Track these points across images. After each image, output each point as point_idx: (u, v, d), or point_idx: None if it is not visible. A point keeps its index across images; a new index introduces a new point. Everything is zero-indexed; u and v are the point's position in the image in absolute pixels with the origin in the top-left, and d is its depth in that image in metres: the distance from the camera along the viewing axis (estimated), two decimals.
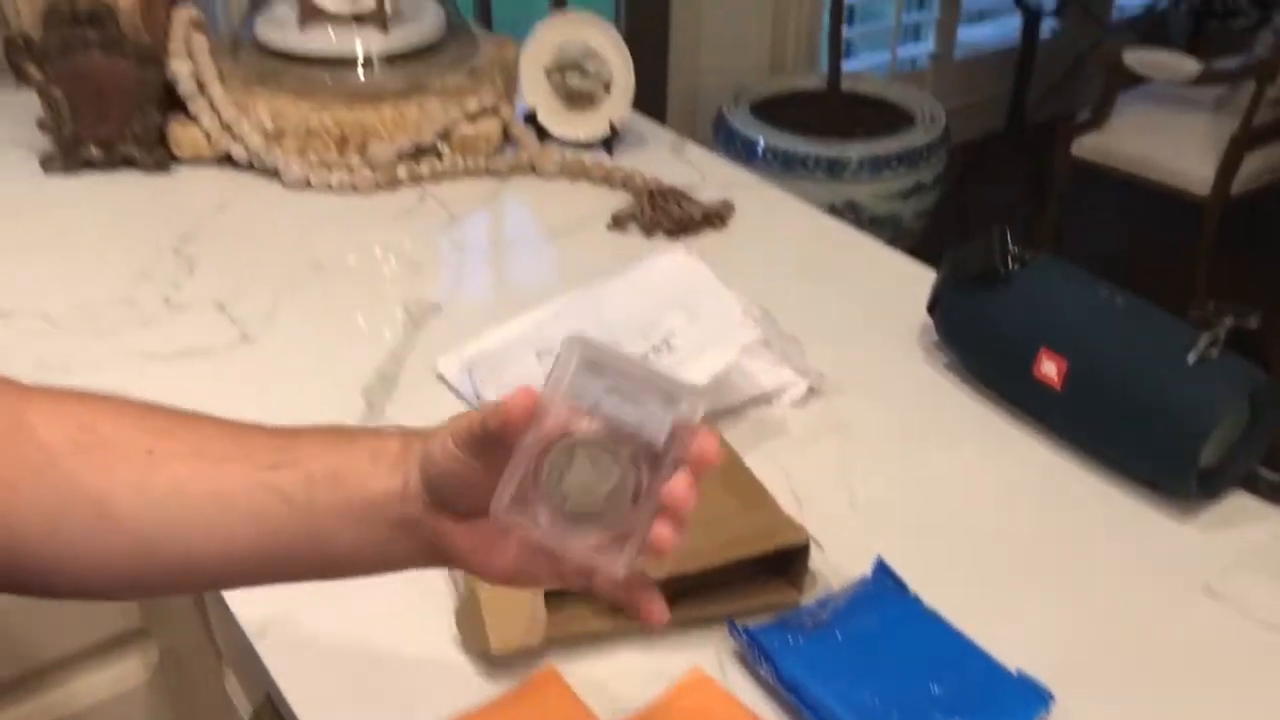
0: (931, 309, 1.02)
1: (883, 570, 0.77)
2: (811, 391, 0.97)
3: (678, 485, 0.48)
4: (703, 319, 0.94)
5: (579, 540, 0.49)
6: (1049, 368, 0.89)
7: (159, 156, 1.31)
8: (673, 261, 1.01)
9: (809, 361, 0.99)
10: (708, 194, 1.29)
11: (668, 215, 1.24)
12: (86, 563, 0.53)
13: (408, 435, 0.54)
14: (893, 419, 0.96)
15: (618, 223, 1.24)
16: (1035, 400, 0.93)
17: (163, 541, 0.52)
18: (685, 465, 0.49)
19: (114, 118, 1.30)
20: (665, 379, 0.49)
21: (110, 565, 0.53)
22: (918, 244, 2.64)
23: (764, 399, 0.96)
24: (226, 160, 1.32)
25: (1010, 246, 0.94)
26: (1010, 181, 3.34)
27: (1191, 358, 0.83)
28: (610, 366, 0.49)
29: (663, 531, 0.48)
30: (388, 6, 1.37)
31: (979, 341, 0.97)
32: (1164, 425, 0.83)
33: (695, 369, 0.90)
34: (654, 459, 0.48)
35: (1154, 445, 0.84)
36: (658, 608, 0.53)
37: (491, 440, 0.49)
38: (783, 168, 2.55)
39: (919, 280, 1.11)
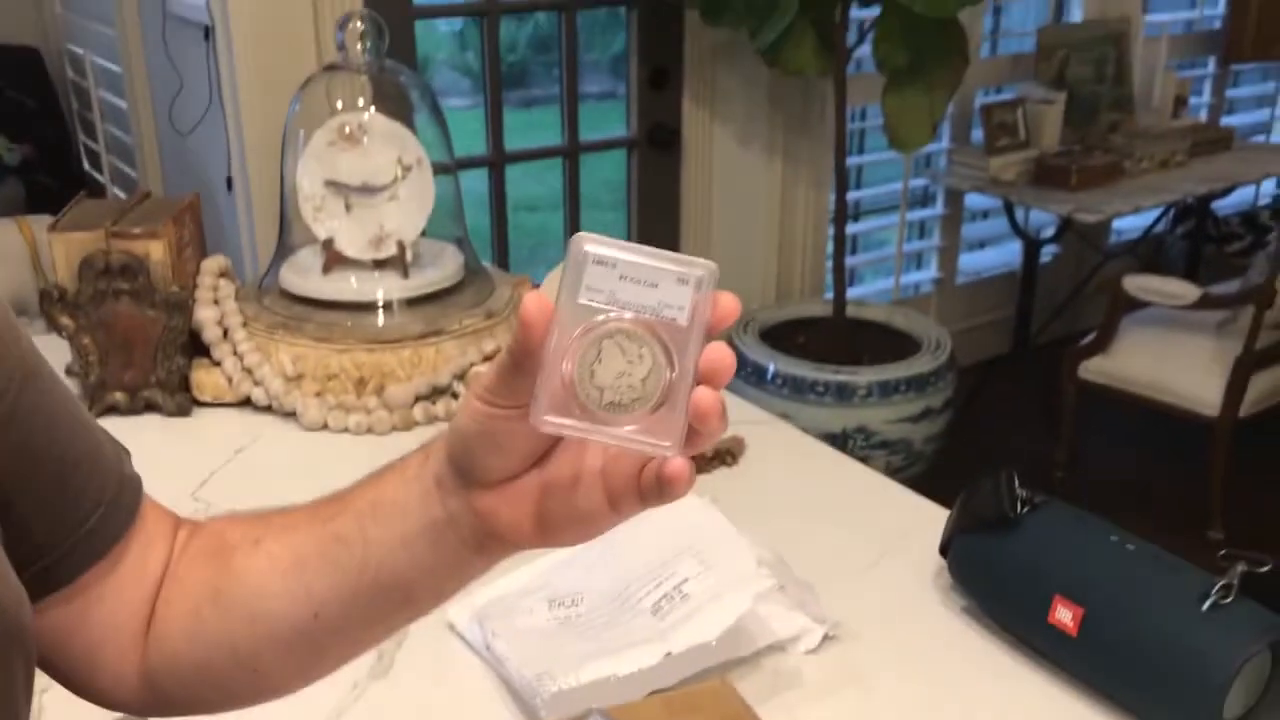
0: (944, 552, 1.03)
1: None
2: (828, 638, 0.97)
3: (714, 351, 0.49)
4: (716, 567, 0.94)
5: (623, 428, 0.49)
6: (1064, 615, 0.89)
7: (181, 401, 1.35)
8: (686, 508, 1.02)
9: (824, 607, 0.99)
10: None
11: None
12: (218, 659, 0.60)
13: (424, 445, 0.58)
14: (911, 666, 0.95)
15: None
16: (1053, 646, 0.92)
17: (266, 614, 0.59)
18: (712, 335, 0.49)
19: (140, 364, 1.34)
20: (675, 259, 0.49)
21: (233, 648, 0.60)
22: (930, 468, 2.65)
23: (779, 646, 0.95)
24: (246, 403, 1.36)
25: (1018, 490, 0.95)
26: (1020, 403, 3.38)
27: (1205, 605, 0.83)
28: (619, 258, 0.49)
29: (704, 397, 0.49)
30: (409, 254, 1.44)
31: (993, 587, 0.97)
32: (1183, 677, 0.82)
33: (709, 618, 0.90)
34: (680, 336, 0.49)
35: (1175, 697, 0.83)
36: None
37: (519, 364, 0.50)
38: (793, 392, 2.59)
39: (933, 518, 1.11)
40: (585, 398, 0.49)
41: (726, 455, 1.27)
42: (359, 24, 1.44)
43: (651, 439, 0.49)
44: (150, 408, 1.36)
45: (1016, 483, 0.96)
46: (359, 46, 1.44)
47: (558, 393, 0.49)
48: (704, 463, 1.26)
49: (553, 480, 0.53)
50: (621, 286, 0.49)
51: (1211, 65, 3.97)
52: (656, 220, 2.84)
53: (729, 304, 0.49)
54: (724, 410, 0.49)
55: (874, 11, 2.47)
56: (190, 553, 0.63)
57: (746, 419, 1.38)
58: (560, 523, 0.54)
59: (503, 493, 0.54)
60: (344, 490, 0.60)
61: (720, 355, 0.49)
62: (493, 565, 0.57)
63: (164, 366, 1.35)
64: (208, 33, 2.22)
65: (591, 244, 0.49)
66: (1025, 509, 0.96)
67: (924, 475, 2.63)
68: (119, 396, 1.35)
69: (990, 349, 3.61)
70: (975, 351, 3.53)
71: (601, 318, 0.49)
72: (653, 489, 0.51)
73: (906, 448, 2.62)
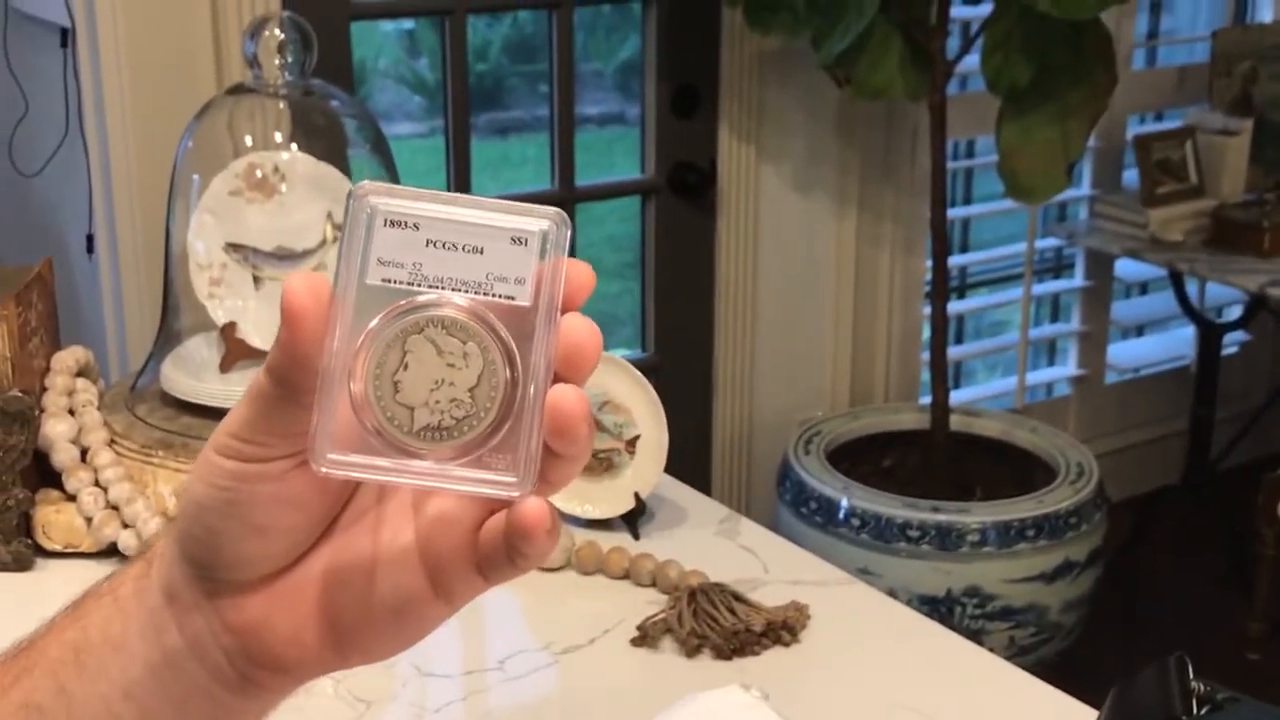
0: None
1: None
2: None
3: (571, 325, 0.47)
4: None
5: (448, 463, 0.48)
6: None
7: (19, 550, 1.36)
8: (727, 704, 1.02)
9: None
10: (772, 593, 1.32)
11: (715, 625, 1.27)
12: None
13: (147, 552, 0.55)
14: None
15: (646, 636, 1.27)
16: None
17: None
18: (565, 312, 0.48)
19: None
20: (504, 209, 0.48)
21: None
22: (1071, 647, 2.64)
23: None
24: (111, 553, 1.37)
25: (1193, 683, 0.96)
26: (1197, 554, 3.36)
27: None
28: (423, 213, 0.48)
29: (563, 398, 0.47)
30: None
31: None
32: None
33: None
34: (521, 322, 0.48)
35: None
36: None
37: (286, 384, 0.47)
38: (875, 538, 2.60)
39: None
40: (388, 423, 0.48)
41: (782, 630, 1.28)
42: (277, 31, 1.47)
43: (489, 474, 0.48)
44: None
45: (1191, 671, 0.97)
46: (276, 61, 1.48)
47: (346, 420, 0.48)
48: (749, 640, 1.26)
49: (345, 560, 0.51)
50: (430, 256, 0.48)
51: None
52: (680, 293, 2.87)
53: (582, 275, 0.48)
54: (591, 416, 0.48)
55: (985, 10, 2.52)
56: None
57: (809, 578, 1.38)
58: (362, 626, 0.52)
59: (271, 593, 0.52)
60: (33, 635, 0.58)
61: (580, 330, 0.48)
62: (268, 711, 0.55)
63: None
64: (65, 37, 2.26)
65: (379, 196, 0.48)
66: (1204, 709, 0.96)
67: (1062, 658, 2.61)
68: None
69: (1155, 477, 3.60)
70: (1133, 481, 3.52)
71: (405, 303, 0.48)
72: (498, 551, 0.49)
73: (1038, 618, 2.61)
